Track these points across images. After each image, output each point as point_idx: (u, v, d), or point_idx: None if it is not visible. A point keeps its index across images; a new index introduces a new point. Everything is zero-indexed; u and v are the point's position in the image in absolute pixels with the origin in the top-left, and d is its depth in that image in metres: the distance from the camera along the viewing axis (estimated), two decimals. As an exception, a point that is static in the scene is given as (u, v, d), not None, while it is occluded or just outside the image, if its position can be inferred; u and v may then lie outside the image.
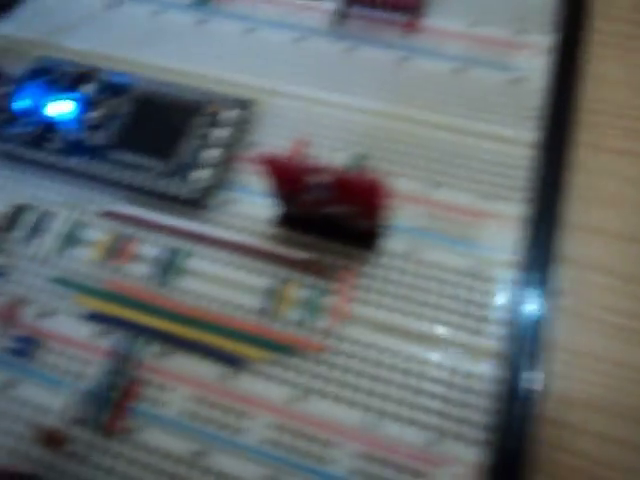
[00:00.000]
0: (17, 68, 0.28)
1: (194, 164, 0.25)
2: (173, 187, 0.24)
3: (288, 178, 0.20)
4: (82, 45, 0.31)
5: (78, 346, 0.23)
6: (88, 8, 0.32)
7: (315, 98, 0.28)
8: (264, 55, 0.29)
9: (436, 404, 0.20)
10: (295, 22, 0.30)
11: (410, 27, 0.29)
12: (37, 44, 0.31)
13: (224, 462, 0.20)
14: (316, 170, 0.19)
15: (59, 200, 0.26)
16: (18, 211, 0.26)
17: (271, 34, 0.30)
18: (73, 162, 0.26)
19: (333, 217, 0.22)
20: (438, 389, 0.21)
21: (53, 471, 0.21)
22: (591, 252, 0.23)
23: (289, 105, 0.27)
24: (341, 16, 0.30)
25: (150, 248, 0.25)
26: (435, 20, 0.29)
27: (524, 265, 0.22)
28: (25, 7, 0.33)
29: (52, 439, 0.20)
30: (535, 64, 0.27)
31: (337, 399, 0.21)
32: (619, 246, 0.23)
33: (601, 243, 0.23)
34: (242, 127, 0.26)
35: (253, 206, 0.25)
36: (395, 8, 0.29)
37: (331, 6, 0.30)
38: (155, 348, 0.22)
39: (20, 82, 0.27)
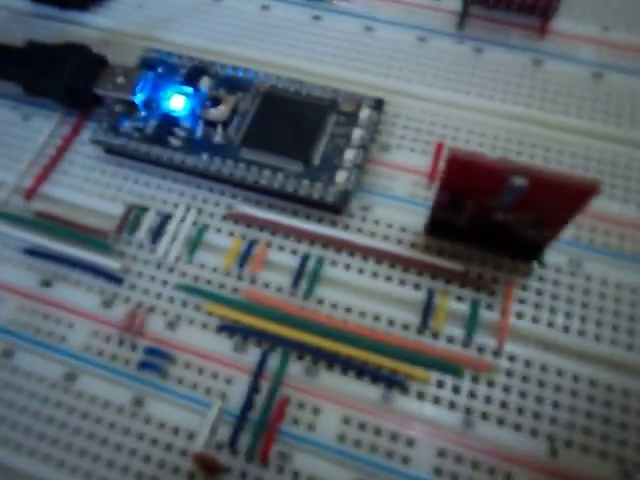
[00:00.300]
0: (123, 61, 0.26)
1: (330, 165, 0.23)
2: (307, 189, 0.23)
3: (482, 178, 0.18)
4: (185, 39, 0.29)
5: (216, 360, 0.21)
6: (191, 1, 0.30)
7: (447, 100, 0.26)
8: (387, 54, 0.27)
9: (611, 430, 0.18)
10: (415, 21, 0.28)
11: (541, 30, 0.27)
12: (138, 37, 0.29)
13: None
14: (519, 170, 0.17)
15: (181, 201, 0.24)
16: (136, 212, 0.24)
17: (392, 33, 0.28)
18: (195, 160, 0.24)
19: (502, 225, 0.20)
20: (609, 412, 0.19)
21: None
22: None
23: (420, 107, 0.26)
24: (463, 16, 0.28)
25: (285, 254, 0.23)
26: (565, 23, 0.28)
27: None
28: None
29: (209, 466, 0.18)
30: None
31: (517, 427, 0.19)
32: None
33: None
34: (376, 128, 0.24)
35: (394, 212, 0.23)
36: (521, 9, 0.28)
37: (452, 6, 0.29)
38: (303, 365, 0.20)
39: (132, 75, 0.25)
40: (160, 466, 0.19)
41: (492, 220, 0.20)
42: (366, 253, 0.22)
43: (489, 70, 0.27)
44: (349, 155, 0.23)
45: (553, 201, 0.18)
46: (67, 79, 0.25)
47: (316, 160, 0.23)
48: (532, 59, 0.27)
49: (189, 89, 0.25)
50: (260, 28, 0.29)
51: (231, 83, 0.25)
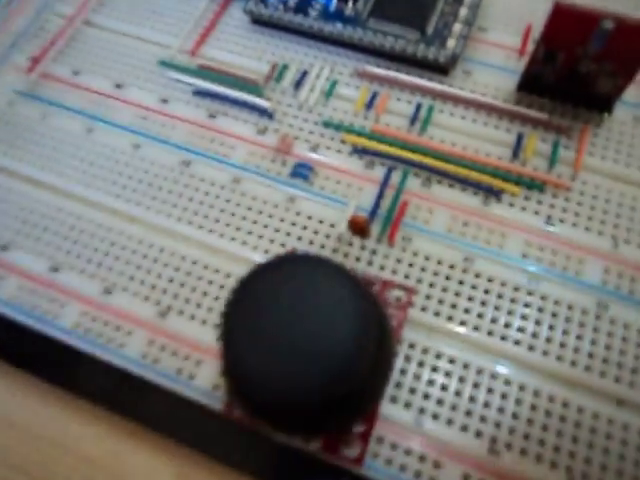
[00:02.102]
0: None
1: (442, 34, 0.29)
2: (422, 52, 0.28)
3: (578, 24, 0.23)
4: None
5: (350, 174, 0.27)
6: None
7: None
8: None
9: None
10: None
11: None
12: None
13: (489, 268, 0.24)
14: (609, 14, 0.22)
15: (317, 62, 0.30)
16: (280, 69, 0.30)
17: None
18: (330, 28, 0.29)
19: (585, 76, 0.25)
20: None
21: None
22: None
23: (513, -1, 0.31)
24: None
25: (403, 104, 0.28)
26: None
27: None
28: None
29: (360, 227, 0.24)
30: None
31: (587, 229, 0.25)
32: None
33: None
34: (477, 10, 0.30)
35: (493, 76, 0.29)
36: None
37: None
38: (419, 180, 0.26)
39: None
40: (310, 243, 0.25)
41: (577, 72, 0.26)
42: (467, 104, 0.28)
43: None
44: (457, 28, 0.29)
45: (632, 47, 0.23)
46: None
47: (430, 30, 0.29)
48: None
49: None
50: None
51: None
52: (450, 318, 0.23)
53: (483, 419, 0.21)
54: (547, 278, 0.24)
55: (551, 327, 0.23)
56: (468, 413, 0.21)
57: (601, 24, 0.23)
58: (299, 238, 0.25)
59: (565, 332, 0.23)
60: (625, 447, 0.21)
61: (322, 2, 0.30)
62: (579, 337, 0.23)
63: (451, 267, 0.24)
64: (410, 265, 0.24)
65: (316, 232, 0.26)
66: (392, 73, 0.29)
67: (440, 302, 0.24)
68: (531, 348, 0.22)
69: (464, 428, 0.21)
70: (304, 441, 0.21)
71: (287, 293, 0.16)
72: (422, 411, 0.21)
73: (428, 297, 0.24)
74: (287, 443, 0.21)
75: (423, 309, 0.23)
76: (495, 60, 0.29)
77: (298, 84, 0.29)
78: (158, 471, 0.21)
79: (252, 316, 0.16)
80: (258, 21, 0.31)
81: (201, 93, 0.29)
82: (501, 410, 0.21)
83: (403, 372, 0.22)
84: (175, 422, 0.21)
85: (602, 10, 0.23)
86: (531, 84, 0.28)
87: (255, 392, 0.15)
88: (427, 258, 0.25)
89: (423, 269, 0.24)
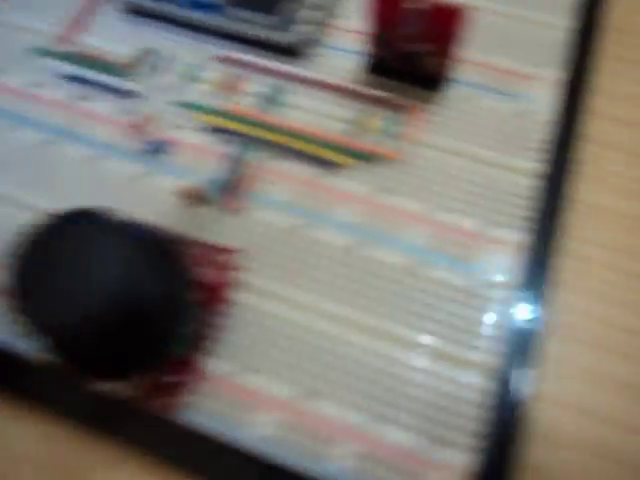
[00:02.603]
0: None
1: (296, 20, 0.31)
2: (277, 36, 0.30)
3: (388, 6, 0.25)
4: None
5: (201, 150, 0.29)
6: None
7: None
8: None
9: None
10: None
11: None
12: None
13: (319, 233, 0.26)
14: None
15: (181, 47, 0.32)
16: (145, 53, 0.32)
17: None
18: (194, 16, 0.31)
19: (410, 56, 0.28)
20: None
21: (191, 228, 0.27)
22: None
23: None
24: None
25: (257, 85, 0.30)
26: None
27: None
28: None
29: (193, 195, 0.26)
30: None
31: (410, 195, 0.27)
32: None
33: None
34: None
35: (344, 59, 0.31)
36: None
37: None
38: (263, 153, 0.28)
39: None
40: (165, 214, 0.27)
41: (406, 53, 0.28)
42: (316, 85, 0.30)
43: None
44: (311, 14, 0.31)
45: (443, 27, 0.25)
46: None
47: (283, 15, 0.31)
48: None
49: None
50: None
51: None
52: (284, 281, 0.25)
53: (300, 369, 0.23)
54: (372, 242, 0.26)
55: (373, 286, 0.25)
56: (289, 366, 0.23)
57: (409, 7, 0.25)
58: (156, 211, 0.27)
59: (381, 289, 0.25)
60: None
61: (188, -9, 0.32)
62: (394, 293, 0.25)
63: (288, 233, 0.26)
64: (249, 232, 0.26)
65: (167, 204, 0.27)
66: (248, 57, 0.31)
67: (275, 266, 0.26)
68: (354, 305, 0.25)
69: (280, 377, 0.23)
70: (125, 389, 0.23)
71: (68, 243, 0.18)
72: (243, 365, 0.24)
73: (262, 261, 0.26)
74: (104, 391, 0.23)
75: (256, 272, 0.25)
76: (350, 45, 0.31)
77: (164, 68, 0.31)
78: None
79: (42, 264, 0.18)
80: (132, 10, 0.33)
81: (72, 78, 0.31)
82: (314, 360, 0.23)
83: (230, 329, 0.24)
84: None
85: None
86: (377, 67, 0.30)
87: (48, 324, 0.17)
88: (268, 225, 0.27)
89: (262, 235, 0.26)
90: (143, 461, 0.22)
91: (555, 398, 0.24)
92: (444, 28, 0.25)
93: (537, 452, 0.22)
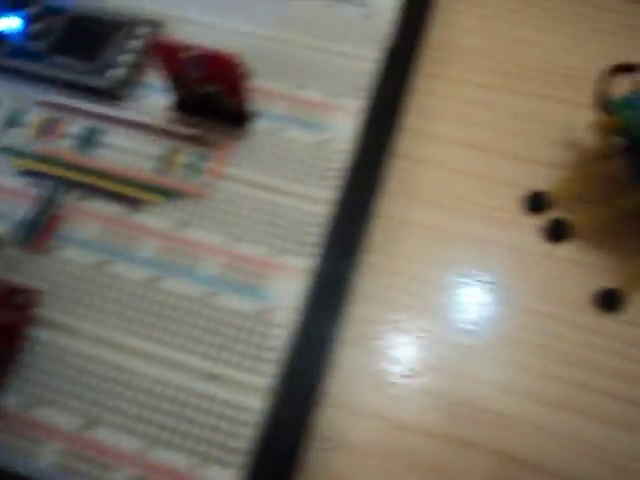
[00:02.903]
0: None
1: (112, 64, 0.32)
2: (94, 80, 0.32)
3: (170, 55, 0.27)
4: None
5: (13, 194, 0.30)
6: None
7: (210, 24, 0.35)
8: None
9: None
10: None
11: None
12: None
13: (121, 269, 0.28)
14: (188, 47, 0.26)
15: (2, 93, 0.33)
16: (-29, 100, 0.33)
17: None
18: (16, 63, 0.33)
19: (209, 96, 0.30)
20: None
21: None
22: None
23: (190, 29, 0.35)
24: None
25: (75, 128, 0.32)
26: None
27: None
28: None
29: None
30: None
31: (208, 228, 0.29)
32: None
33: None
34: (146, 42, 0.34)
35: (157, 100, 0.32)
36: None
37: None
38: (73, 194, 0.30)
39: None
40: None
41: (202, 93, 0.30)
42: (129, 125, 0.32)
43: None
44: (126, 58, 0.33)
45: (224, 72, 0.27)
46: None
47: (100, 61, 0.33)
48: None
49: (19, 12, 0.34)
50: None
51: (51, 9, 0.34)
52: (81, 316, 0.27)
53: (85, 399, 0.25)
54: (170, 275, 0.28)
55: (169, 318, 0.27)
56: (76, 397, 0.25)
57: (185, 56, 0.27)
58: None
59: (176, 320, 0.27)
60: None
61: (12, 41, 0.34)
62: (188, 324, 0.26)
63: (92, 270, 0.28)
64: (55, 271, 0.28)
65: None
66: (67, 101, 0.32)
67: (75, 303, 0.27)
68: (148, 337, 0.26)
69: (65, 408, 0.25)
70: None
71: None
72: (34, 398, 0.25)
73: (64, 298, 0.27)
74: None
75: (56, 309, 0.27)
76: (162, 86, 0.33)
77: (-14, 114, 0.32)
78: None
79: None
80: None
81: None
82: (98, 390, 0.25)
83: (25, 365, 0.26)
84: None
85: (190, 44, 0.27)
86: (185, 106, 0.32)
87: None
88: (73, 264, 0.28)
89: (66, 273, 0.28)
90: None
91: (347, 406, 0.26)
92: (223, 71, 0.27)
93: (331, 459, 0.24)
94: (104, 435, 0.24)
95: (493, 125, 0.38)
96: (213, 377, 0.26)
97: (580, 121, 0.36)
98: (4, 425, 0.25)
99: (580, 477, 0.31)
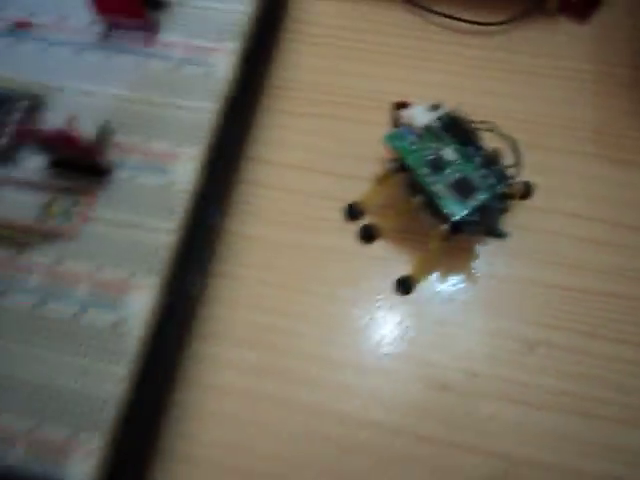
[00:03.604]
0: None
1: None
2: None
3: (33, 135, 0.35)
4: None
5: None
6: None
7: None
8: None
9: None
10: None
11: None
12: None
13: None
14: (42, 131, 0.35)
15: None
16: None
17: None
18: None
19: (72, 158, 0.38)
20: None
21: None
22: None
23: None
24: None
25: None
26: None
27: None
28: None
29: None
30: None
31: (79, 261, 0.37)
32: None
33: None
34: (31, 115, 0.41)
35: (35, 160, 0.40)
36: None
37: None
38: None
39: None
40: None
41: (69, 155, 0.38)
42: (15, 184, 0.40)
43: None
44: (9, 129, 0.40)
45: (73, 144, 0.35)
46: None
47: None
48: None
49: None
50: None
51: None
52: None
53: None
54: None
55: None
56: None
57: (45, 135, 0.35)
58: None
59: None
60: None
61: None
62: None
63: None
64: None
65: None
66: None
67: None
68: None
69: None
70: None
71: None
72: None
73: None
74: None
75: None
76: (38, 148, 0.41)
77: None
78: None
79: None
80: None
81: None
82: None
83: None
84: None
85: (42, 128, 0.35)
86: (55, 164, 0.40)
87: None
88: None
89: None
90: None
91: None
92: (74, 143, 0.36)
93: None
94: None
95: (321, 148, 0.47)
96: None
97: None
98: None
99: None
